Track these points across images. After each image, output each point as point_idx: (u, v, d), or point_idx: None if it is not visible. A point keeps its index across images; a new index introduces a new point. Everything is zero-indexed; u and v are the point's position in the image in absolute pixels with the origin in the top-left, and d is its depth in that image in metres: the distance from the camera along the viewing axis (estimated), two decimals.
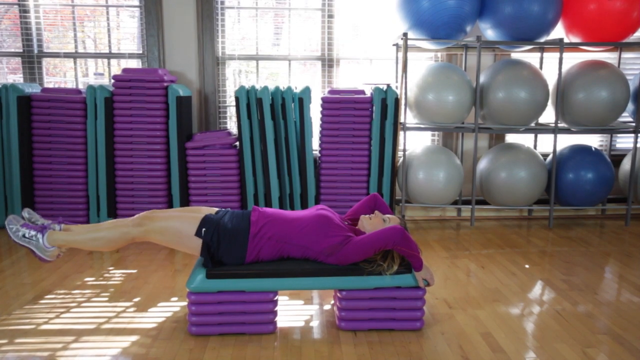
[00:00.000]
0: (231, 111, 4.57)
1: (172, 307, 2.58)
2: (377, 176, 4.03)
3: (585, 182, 4.06)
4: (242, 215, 2.33)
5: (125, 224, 2.30)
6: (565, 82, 4.06)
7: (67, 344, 2.20)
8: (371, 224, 2.37)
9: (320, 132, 4.03)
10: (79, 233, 2.33)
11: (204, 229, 2.24)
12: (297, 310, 2.56)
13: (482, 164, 4.24)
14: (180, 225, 2.26)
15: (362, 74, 4.59)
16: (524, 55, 4.44)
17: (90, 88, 3.85)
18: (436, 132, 4.64)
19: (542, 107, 4.00)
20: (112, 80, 3.89)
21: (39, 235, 2.30)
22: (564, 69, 4.12)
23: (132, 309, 2.55)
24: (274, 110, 3.91)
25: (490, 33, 4.06)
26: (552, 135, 4.11)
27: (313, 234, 2.25)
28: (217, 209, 2.45)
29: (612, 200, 4.65)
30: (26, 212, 2.42)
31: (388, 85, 4.00)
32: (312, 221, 2.28)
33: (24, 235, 2.30)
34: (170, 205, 4.03)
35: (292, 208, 4.04)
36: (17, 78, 4.47)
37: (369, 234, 2.24)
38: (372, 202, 2.57)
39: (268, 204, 3.98)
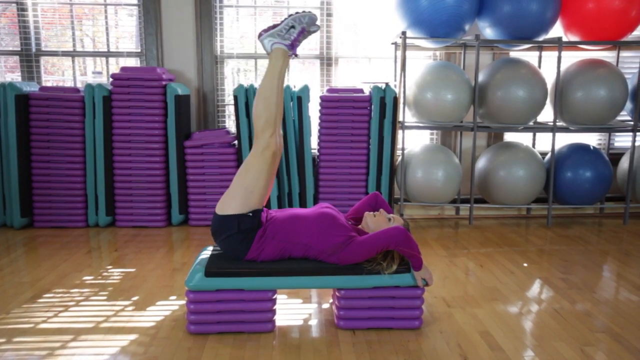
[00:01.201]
0: (230, 110, 4.57)
1: (170, 305, 2.58)
2: (375, 175, 4.03)
3: (583, 181, 4.07)
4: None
5: (275, 130, 2.28)
6: (563, 80, 4.06)
7: (65, 342, 2.20)
8: (375, 222, 2.36)
9: (319, 131, 4.03)
10: (280, 77, 2.32)
11: (250, 214, 2.23)
12: (296, 309, 2.56)
13: (481, 163, 4.25)
14: (260, 191, 2.24)
15: (361, 73, 4.59)
16: (523, 54, 4.45)
17: (89, 87, 3.85)
18: (435, 131, 4.64)
19: (540, 106, 4.00)
20: (111, 79, 3.89)
21: (286, 41, 2.33)
22: (563, 67, 4.12)
23: (130, 308, 2.54)
24: None
25: (489, 32, 4.06)
26: (550, 134, 4.11)
27: (316, 233, 2.24)
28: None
29: (611, 198, 4.66)
30: (317, 28, 2.41)
31: (387, 84, 4.00)
32: (316, 219, 2.27)
33: (292, 27, 2.33)
34: (169, 203, 4.02)
35: (291, 207, 4.04)
36: (15, 77, 4.46)
37: (372, 234, 2.24)
38: (374, 201, 2.57)
39: (267, 203, 3.98)
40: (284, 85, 3.74)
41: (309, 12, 2.36)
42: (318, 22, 2.41)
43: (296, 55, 2.41)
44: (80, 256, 3.31)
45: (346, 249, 2.22)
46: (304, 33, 2.38)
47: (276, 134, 2.29)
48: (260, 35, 2.37)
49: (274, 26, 2.35)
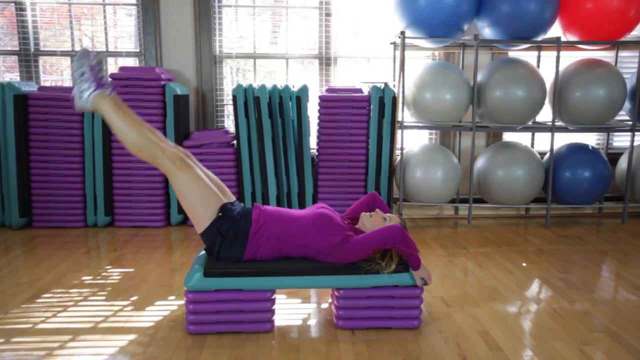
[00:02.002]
0: (229, 110, 4.57)
1: (169, 305, 2.58)
2: (374, 175, 4.03)
3: (582, 181, 4.07)
4: (244, 213, 2.33)
5: (162, 148, 2.23)
6: (562, 80, 4.06)
7: (64, 342, 2.20)
8: (371, 222, 2.37)
9: (318, 131, 4.03)
10: (118, 115, 2.23)
11: (220, 214, 2.23)
12: (295, 309, 2.56)
13: (480, 163, 4.25)
14: (205, 193, 2.23)
15: (360, 73, 4.59)
16: (521, 53, 4.45)
17: None
18: (434, 131, 4.64)
19: (539, 106, 4.01)
20: (109, 79, 3.88)
21: (92, 87, 2.23)
22: (561, 67, 4.13)
23: (129, 308, 2.54)
24: (271, 109, 3.90)
25: (487, 32, 4.07)
26: (549, 134, 4.12)
27: (313, 233, 2.25)
28: (234, 198, 2.44)
29: (609, 198, 4.66)
30: (101, 56, 2.31)
31: (385, 84, 4.00)
32: (312, 220, 2.27)
33: (82, 74, 2.23)
34: (168, 203, 4.02)
35: (290, 207, 4.03)
36: (13, 76, 4.46)
37: (369, 233, 2.24)
38: (371, 201, 2.57)
39: (265, 202, 3.98)
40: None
41: (80, 51, 2.27)
42: (97, 50, 2.31)
43: (110, 87, 2.29)
44: (79, 256, 3.31)
45: (343, 248, 2.22)
46: (96, 67, 2.29)
47: (166, 149, 2.25)
48: (74, 104, 2.27)
49: (72, 86, 2.27)
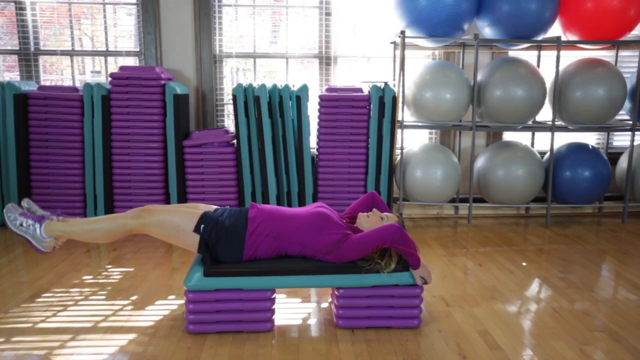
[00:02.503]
0: (229, 109, 4.57)
1: (169, 305, 2.58)
2: (374, 174, 4.03)
3: (582, 180, 4.07)
4: (239, 212, 2.33)
5: (124, 215, 2.30)
6: (562, 80, 4.06)
7: (64, 342, 2.20)
8: (369, 221, 2.37)
9: (318, 130, 4.03)
10: (76, 224, 2.32)
11: (202, 226, 2.23)
12: (295, 308, 2.56)
13: (480, 162, 4.25)
14: (179, 219, 2.26)
15: (360, 72, 4.58)
16: (522, 53, 4.45)
17: (87, 86, 3.84)
18: (434, 130, 4.64)
19: (539, 105, 4.00)
20: (109, 78, 3.88)
21: (37, 225, 2.29)
22: (561, 67, 4.12)
23: (129, 307, 2.54)
24: (271, 109, 3.90)
25: (487, 31, 4.07)
26: (549, 133, 4.12)
27: (311, 232, 2.25)
28: (215, 206, 2.45)
29: (609, 198, 4.66)
30: (25, 202, 2.41)
31: (385, 83, 4.00)
32: (310, 219, 2.28)
33: (21, 224, 2.29)
34: (168, 202, 4.02)
35: (290, 206, 4.04)
36: (13, 76, 4.45)
37: (367, 232, 2.24)
38: (370, 200, 2.57)
39: (265, 202, 3.98)
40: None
41: (5, 210, 2.33)
42: (10, 203, 2.37)
43: (57, 214, 2.37)
44: (79, 255, 3.31)
45: (341, 247, 2.22)
46: (25, 211, 2.36)
47: (123, 213, 2.31)
48: (36, 250, 2.31)
49: (28, 241, 2.30)
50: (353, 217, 2.54)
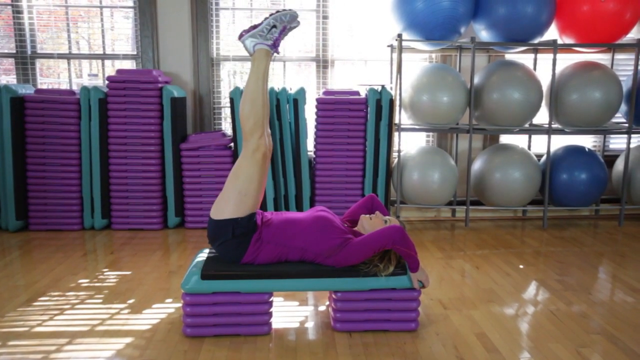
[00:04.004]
0: (226, 112, 4.57)
1: (166, 308, 2.57)
2: (372, 177, 4.03)
3: (579, 183, 4.08)
4: (255, 221, 2.31)
5: (262, 133, 2.24)
6: (559, 83, 4.07)
7: (60, 346, 2.19)
8: (371, 224, 2.36)
9: (315, 133, 4.03)
10: (264, 80, 2.28)
11: (243, 217, 2.21)
12: (292, 312, 2.55)
13: (477, 165, 4.26)
14: (252, 194, 2.22)
15: (357, 75, 4.59)
16: (518, 56, 4.46)
17: (84, 89, 3.84)
18: (431, 133, 4.65)
19: (536, 108, 4.02)
20: (106, 82, 3.88)
21: (269, 41, 2.29)
22: (558, 70, 4.14)
23: (126, 311, 2.54)
24: None
25: (484, 34, 4.08)
26: (546, 136, 4.13)
27: (313, 236, 2.24)
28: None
29: (606, 200, 4.68)
30: (295, 25, 2.37)
31: (383, 87, 4.01)
32: (312, 223, 2.27)
33: (273, 26, 2.29)
34: (165, 206, 4.02)
35: (287, 209, 4.03)
36: (10, 79, 4.45)
37: (369, 234, 2.24)
38: (370, 203, 2.57)
39: (263, 205, 3.97)
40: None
41: (290, 10, 2.33)
42: (299, 19, 2.38)
43: (277, 53, 2.37)
44: (76, 259, 3.30)
45: (343, 251, 2.21)
46: (285, 31, 2.35)
47: (265, 135, 2.28)
48: (241, 35, 2.32)
49: (255, 26, 2.31)
50: (353, 220, 2.53)
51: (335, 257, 2.23)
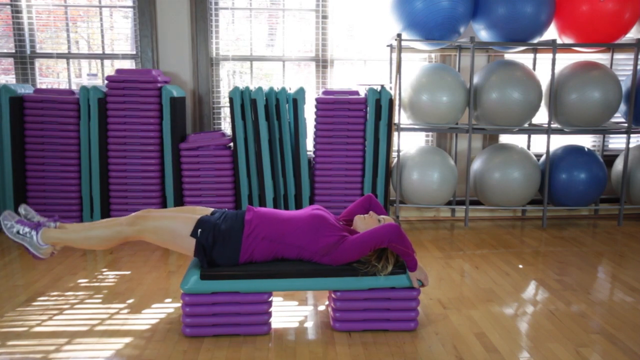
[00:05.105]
0: (225, 112, 4.57)
1: (166, 308, 2.57)
2: (371, 177, 4.03)
3: (578, 183, 4.08)
4: (236, 215, 2.33)
5: (119, 222, 2.30)
6: (558, 83, 4.08)
7: (60, 346, 2.19)
8: (365, 224, 2.37)
9: (315, 133, 4.03)
10: (73, 231, 2.32)
11: (199, 230, 2.23)
12: (292, 311, 2.55)
13: (476, 165, 4.26)
14: (175, 225, 2.26)
15: (356, 75, 4.59)
16: (517, 56, 4.46)
17: (84, 89, 3.84)
18: (430, 133, 4.65)
19: (535, 108, 4.02)
20: (106, 81, 3.88)
21: (33, 232, 2.29)
22: (557, 69, 4.14)
23: (125, 311, 2.54)
24: (268, 111, 3.90)
25: (483, 34, 4.08)
26: (545, 136, 4.13)
27: (308, 234, 2.25)
28: (212, 209, 2.44)
29: (605, 200, 4.68)
30: (22, 209, 2.42)
31: (382, 86, 4.01)
32: (307, 221, 2.28)
33: (18, 232, 2.29)
34: (164, 206, 4.01)
35: (287, 209, 4.03)
36: (9, 79, 4.44)
37: (364, 232, 2.24)
38: (367, 203, 2.57)
39: (262, 204, 3.97)
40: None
41: (1, 217, 2.32)
42: (7, 210, 2.35)
43: (55, 219, 2.37)
44: (75, 259, 3.30)
45: (339, 249, 2.22)
46: (23, 218, 2.37)
47: (120, 219, 2.31)
48: (34, 257, 2.31)
49: (26, 248, 2.29)
50: (350, 219, 2.53)
51: (331, 256, 2.23)
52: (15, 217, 2.34)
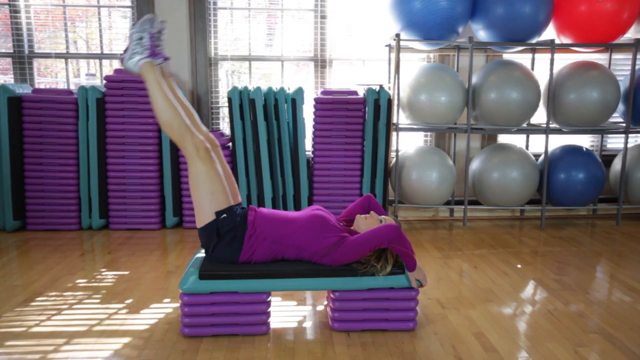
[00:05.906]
0: (224, 112, 4.56)
1: (164, 308, 2.57)
2: (370, 177, 4.03)
3: (576, 182, 4.09)
4: (243, 215, 2.32)
5: (192, 133, 2.24)
6: (556, 83, 4.08)
7: (58, 346, 2.19)
8: (366, 224, 2.37)
9: (313, 133, 4.03)
10: (163, 87, 2.27)
11: (224, 215, 2.22)
12: (291, 311, 2.55)
13: (475, 165, 4.26)
14: (221, 189, 2.23)
15: (355, 75, 4.59)
16: (516, 56, 4.47)
17: (82, 89, 3.83)
18: (429, 133, 4.65)
19: (533, 108, 4.02)
20: (104, 81, 3.87)
21: (145, 53, 2.28)
22: (555, 69, 4.14)
23: (124, 311, 2.53)
24: (266, 111, 3.90)
25: (482, 34, 4.08)
26: (543, 136, 4.13)
27: (309, 235, 2.25)
28: (240, 200, 2.43)
29: (603, 200, 4.68)
30: (162, 25, 2.36)
31: (381, 86, 4.01)
32: (307, 221, 2.27)
33: (140, 38, 2.26)
34: (163, 206, 4.01)
35: (285, 209, 4.03)
36: (7, 79, 4.44)
37: (364, 233, 2.24)
38: (366, 203, 2.57)
39: (261, 205, 3.97)
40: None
41: (146, 16, 2.31)
42: (160, 19, 2.33)
43: (166, 59, 2.36)
44: (74, 259, 3.30)
45: (339, 249, 2.22)
46: (155, 36, 2.33)
47: (196, 133, 2.28)
48: (122, 62, 2.31)
49: (127, 49, 2.30)
50: (349, 220, 2.53)
51: (331, 256, 2.23)
52: (154, 29, 2.29)
